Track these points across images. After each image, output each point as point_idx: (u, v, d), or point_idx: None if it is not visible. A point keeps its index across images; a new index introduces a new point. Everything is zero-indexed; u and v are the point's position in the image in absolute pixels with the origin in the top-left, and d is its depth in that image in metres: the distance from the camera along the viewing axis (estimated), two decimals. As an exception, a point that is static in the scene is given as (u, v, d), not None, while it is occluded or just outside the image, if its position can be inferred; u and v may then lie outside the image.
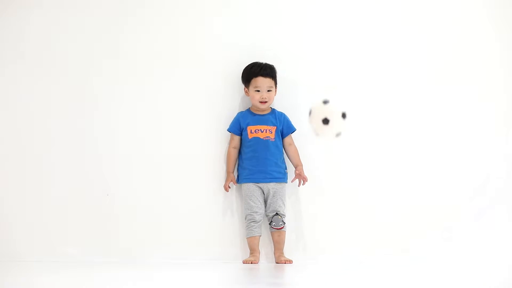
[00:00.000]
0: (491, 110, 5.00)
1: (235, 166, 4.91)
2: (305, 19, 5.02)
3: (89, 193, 4.91)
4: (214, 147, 4.94)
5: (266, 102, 4.85)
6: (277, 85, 4.89)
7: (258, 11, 5.01)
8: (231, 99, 4.97)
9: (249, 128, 4.86)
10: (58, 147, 4.93)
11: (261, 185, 4.84)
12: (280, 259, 4.80)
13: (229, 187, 4.88)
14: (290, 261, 4.78)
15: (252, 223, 4.81)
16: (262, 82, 4.84)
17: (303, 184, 4.86)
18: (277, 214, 4.82)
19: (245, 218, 4.84)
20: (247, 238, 4.83)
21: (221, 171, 4.93)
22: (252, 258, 4.79)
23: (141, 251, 4.87)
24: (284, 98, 4.95)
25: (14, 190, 4.91)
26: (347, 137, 4.83)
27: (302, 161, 4.88)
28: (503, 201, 4.91)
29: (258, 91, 4.85)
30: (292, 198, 4.94)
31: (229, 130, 4.91)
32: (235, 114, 4.92)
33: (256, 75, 4.85)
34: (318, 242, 4.93)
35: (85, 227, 4.89)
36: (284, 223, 4.82)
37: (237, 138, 4.89)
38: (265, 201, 4.86)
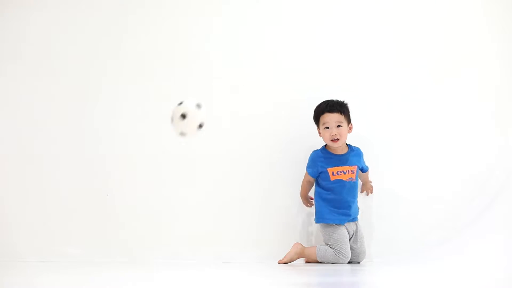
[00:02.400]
0: (490, 109, 5.00)
1: (308, 192, 4.83)
2: (311, 18, 5.02)
3: (90, 193, 4.91)
4: (217, 147, 4.94)
5: (337, 139, 4.66)
6: (351, 122, 4.72)
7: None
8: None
9: (330, 170, 4.69)
10: (59, 147, 4.93)
11: (347, 225, 4.70)
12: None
13: (310, 202, 4.81)
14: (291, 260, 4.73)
15: (340, 258, 4.62)
16: (329, 118, 4.66)
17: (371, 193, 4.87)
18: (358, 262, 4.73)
19: (334, 248, 4.62)
20: (320, 251, 4.67)
21: (227, 170, 4.93)
22: (287, 260, 4.71)
23: (142, 251, 4.87)
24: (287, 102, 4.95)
25: (14, 190, 4.91)
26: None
27: None
28: (504, 201, 4.92)
29: (327, 128, 4.69)
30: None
31: (309, 173, 4.74)
32: None
33: (323, 112, 4.69)
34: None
35: (86, 227, 4.89)
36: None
37: (313, 180, 4.77)
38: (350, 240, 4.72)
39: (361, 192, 4.88)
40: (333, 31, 5.02)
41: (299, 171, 4.88)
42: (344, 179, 4.68)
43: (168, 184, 4.94)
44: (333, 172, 4.69)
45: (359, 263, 4.72)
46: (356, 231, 4.72)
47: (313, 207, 4.80)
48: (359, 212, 4.79)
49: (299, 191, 4.87)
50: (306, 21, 5.01)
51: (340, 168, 4.69)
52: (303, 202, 4.86)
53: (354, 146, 4.79)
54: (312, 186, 4.82)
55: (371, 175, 4.90)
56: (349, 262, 4.69)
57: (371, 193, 4.89)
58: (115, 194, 4.92)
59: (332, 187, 4.69)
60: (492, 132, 4.98)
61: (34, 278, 4.09)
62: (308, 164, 4.77)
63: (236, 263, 4.77)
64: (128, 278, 4.07)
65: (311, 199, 4.84)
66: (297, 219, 4.93)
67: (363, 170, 4.79)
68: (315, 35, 5.01)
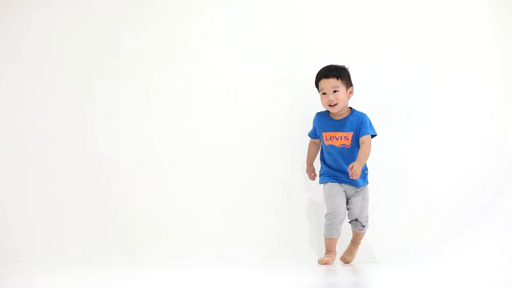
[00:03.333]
0: (490, 109, 5.00)
1: (314, 159, 4.80)
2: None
3: (90, 193, 4.92)
4: (217, 146, 4.95)
5: (335, 104, 4.64)
6: (352, 86, 4.69)
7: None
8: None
9: (324, 134, 4.69)
10: (59, 146, 4.94)
11: (344, 185, 4.68)
12: (346, 257, 4.75)
13: (314, 176, 4.79)
14: (348, 262, 4.71)
15: (333, 223, 4.61)
16: (325, 83, 4.64)
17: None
18: (356, 220, 4.70)
19: (326, 216, 4.65)
20: (325, 238, 4.66)
21: (228, 170, 4.93)
22: (327, 258, 4.63)
23: (142, 251, 4.87)
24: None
25: (14, 189, 4.93)
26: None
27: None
28: (504, 201, 4.93)
29: (325, 93, 4.67)
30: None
31: (310, 135, 4.78)
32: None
33: (319, 78, 4.68)
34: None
35: (86, 227, 4.89)
36: (363, 226, 4.72)
37: (317, 141, 4.77)
38: (347, 202, 4.70)
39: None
40: (333, 31, 5.01)
41: (300, 171, 4.89)
42: (336, 145, 4.67)
43: (168, 184, 4.94)
44: (326, 137, 4.70)
45: (356, 220, 4.70)
46: (355, 195, 4.70)
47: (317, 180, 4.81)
48: (367, 177, 4.75)
49: (300, 192, 4.86)
50: (306, 20, 5.00)
51: (332, 134, 4.68)
52: (306, 170, 4.82)
53: (359, 112, 4.72)
54: (319, 149, 4.79)
55: (371, 174, 4.89)
56: (351, 222, 4.70)
57: (352, 176, 4.61)
58: (115, 194, 4.92)
59: (328, 151, 4.71)
60: (492, 132, 4.98)
61: (34, 278, 4.08)
62: (311, 130, 4.79)
63: (237, 263, 4.77)
64: (128, 278, 4.07)
65: (315, 174, 4.81)
66: (297, 219, 4.93)
67: (358, 135, 4.67)
68: (314, 35, 5.00)
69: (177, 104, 4.98)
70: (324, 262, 4.60)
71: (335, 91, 4.64)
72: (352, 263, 4.76)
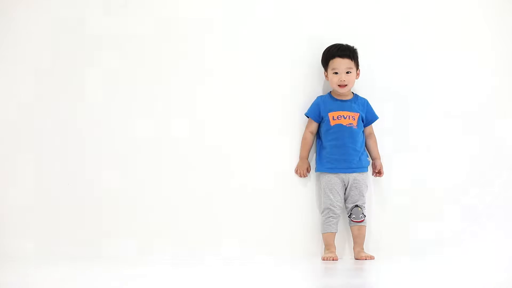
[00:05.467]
0: (491, 105, 4.99)
1: (309, 152, 4.79)
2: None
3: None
4: (212, 142, 4.93)
5: (345, 85, 4.66)
6: (359, 68, 4.71)
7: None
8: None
9: (331, 114, 4.68)
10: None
11: (342, 176, 4.70)
12: (360, 255, 4.64)
13: (308, 173, 4.75)
14: (371, 257, 4.65)
15: (330, 218, 4.65)
16: (339, 63, 4.64)
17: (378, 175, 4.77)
18: (357, 206, 4.68)
19: (322, 212, 4.69)
20: (323, 233, 4.69)
21: (226, 168, 4.90)
22: (331, 254, 4.62)
23: (143, 250, 4.86)
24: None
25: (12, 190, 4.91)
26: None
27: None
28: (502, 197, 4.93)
29: (336, 73, 4.66)
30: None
31: (307, 115, 4.75)
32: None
33: (333, 57, 4.65)
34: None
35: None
36: (365, 215, 4.69)
37: (315, 124, 4.75)
38: (345, 193, 4.70)
39: (374, 175, 4.77)
40: (333, 31, 4.97)
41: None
42: (344, 124, 4.65)
43: (166, 181, 4.87)
44: (333, 117, 4.67)
45: (357, 206, 4.67)
46: (357, 183, 4.68)
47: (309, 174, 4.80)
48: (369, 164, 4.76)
49: (301, 193, 4.84)
50: (305, 21, 4.99)
51: (340, 113, 4.67)
52: (298, 166, 4.77)
53: (362, 97, 4.76)
54: (313, 139, 4.76)
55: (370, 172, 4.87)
56: (351, 212, 4.67)
57: (380, 174, 4.75)
58: (113, 192, 4.88)
59: (332, 132, 4.66)
60: (492, 130, 4.96)
61: (33, 278, 4.08)
62: (309, 109, 4.75)
63: (237, 262, 4.75)
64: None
65: (308, 171, 4.78)
66: (297, 218, 4.92)
67: (366, 122, 4.72)
68: (313, 34, 4.96)
69: (175, 102, 4.94)
70: (330, 259, 4.59)
71: (348, 72, 4.64)
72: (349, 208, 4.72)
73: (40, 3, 4.92)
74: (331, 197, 4.65)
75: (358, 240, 4.70)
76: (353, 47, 4.71)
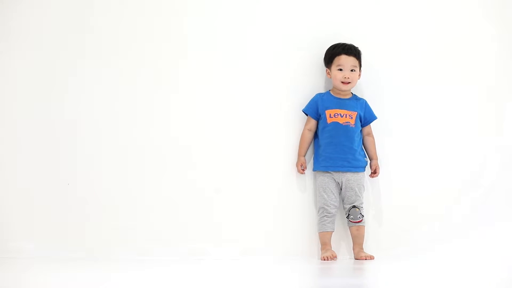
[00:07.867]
0: (485, 105, 5.00)
1: (307, 150, 4.79)
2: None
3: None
4: (206, 138, 4.94)
5: (349, 83, 4.69)
6: (361, 69, 4.75)
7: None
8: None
9: (328, 112, 4.70)
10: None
11: (336, 175, 4.70)
12: (360, 255, 4.66)
13: (303, 171, 4.75)
14: (371, 257, 4.65)
15: (325, 218, 4.67)
16: (345, 60, 4.69)
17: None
18: (354, 206, 4.69)
19: (318, 211, 4.71)
20: (319, 233, 4.70)
21: (223, 167, 4.89)
22: (328, 253, 4.63)
23: (143, 250, 4.86)
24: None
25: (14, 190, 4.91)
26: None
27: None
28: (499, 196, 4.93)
29: (341, 69, 4.69)
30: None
31: (304, 111, 4.77)
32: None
33: (339, 54, 4.70)
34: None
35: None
36: (363, 215, 4.69)
37: (313, 121, 4.75)
38: (341, 193, 4.71)
39: (371, 176, 4.79)
40: (332, 24, 4.96)
41: (293, 165, 4.87)
42: (340, 122, 4.67)
43: (166, 181, 4.87)
44: (330, 115, 4.70)
45: (354, 207, 4.67)
46: (353, 183, 4.69)
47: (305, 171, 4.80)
48: (367, 164, 4.77)
49: (300, 192, 4.84)
50: (305, 20, 4.99)
51: (337, 111, 4.70)
52: (298, 162, 4.78)
53: (360, 97, 4.78)
54: (312, 137, 4.76)
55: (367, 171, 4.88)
56: (349, 213, 4.68)
57: (375, 175, 4.78)
58: (110, 191, 4.87)
59: (328, 129, 4.68)
60: (485, 126, 4.97)
61: (33, 277, 4.08)
62: (307, 105, 4.76)
63: (236, 262, 4.76)
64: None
65: (305, 167, 4.78)
66: (296, 218, 4.91)
67: (364, 121, 4.73)
68: (312, 34, 4.97)
69: (175, 100, 4.94)
70: (328, 258, 4.59)
71: (352, 70, 4.68)
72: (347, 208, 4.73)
73: (40, 3, 4.92)
74: (325, 196, 4.67)
75: (357, 240, 4.72)
76: (357, 47, 4.75)
